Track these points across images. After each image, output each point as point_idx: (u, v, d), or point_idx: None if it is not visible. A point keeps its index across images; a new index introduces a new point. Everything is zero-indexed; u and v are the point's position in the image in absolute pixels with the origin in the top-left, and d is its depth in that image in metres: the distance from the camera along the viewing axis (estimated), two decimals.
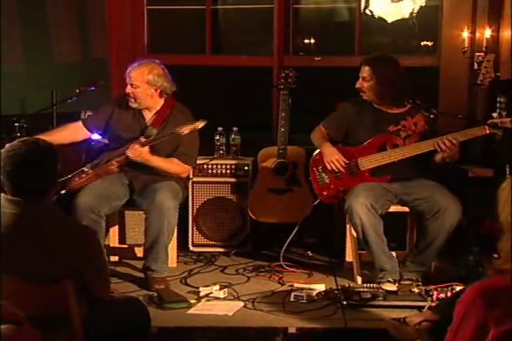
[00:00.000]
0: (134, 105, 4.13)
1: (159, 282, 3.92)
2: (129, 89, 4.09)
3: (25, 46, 4.79)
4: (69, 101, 4.28)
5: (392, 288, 3.68)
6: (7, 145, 2.46)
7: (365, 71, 4.05)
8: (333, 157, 4.08)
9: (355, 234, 4.01)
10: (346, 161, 4.08)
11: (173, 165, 4.11)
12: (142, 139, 3.99)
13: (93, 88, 4.42)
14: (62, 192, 3.88)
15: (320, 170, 4.16)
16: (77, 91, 4.25)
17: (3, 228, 2.35)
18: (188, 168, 4.24)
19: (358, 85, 4.09)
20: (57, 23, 4.96)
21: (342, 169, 4.07)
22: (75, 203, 3.87)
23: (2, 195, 2.42)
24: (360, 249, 4.09)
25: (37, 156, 2.41)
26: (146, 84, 4.06)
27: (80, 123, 4.25)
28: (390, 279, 3.81)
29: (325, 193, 4.17)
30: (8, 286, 2.20)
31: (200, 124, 3.98)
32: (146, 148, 3.96)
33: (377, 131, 4.07)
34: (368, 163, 4.06)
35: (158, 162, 4.04)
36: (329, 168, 4.09)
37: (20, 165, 2.38)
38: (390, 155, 4.02)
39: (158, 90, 4.10)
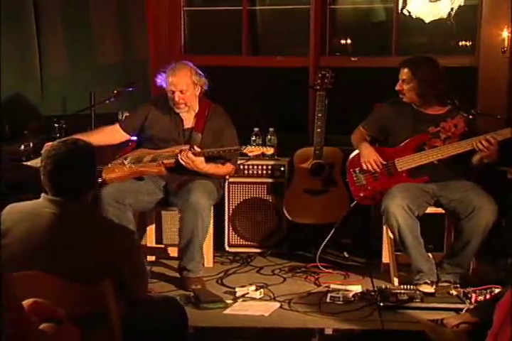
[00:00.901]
0: (183, 110, 4.12)
1: (195, 282, 3.93)
2: (178, 97, 4.04)
3: (68, 47, 4.83)
4: (107, 102, 4.31)
5: (430, 289, 3.66)
6: (48, 146, 2.49)
7: (404, 73, 4.04)
8: (370, 157, 4.06)
9: (391, 236, 3.99)
10: (383, 162, 4.07)
11: (222, 170, 4.14)
12: (197, 149, 3.98)
13: (131, 89, 4.44)
14: (98, 180, 3.90)
15: (357, 172, 4.15)
16: (115, 92, 4.27)
17: (43, 228, 2.38)
18: (234, 168, 4.27)
19: (397, 87, 4.07)
20: (100, 23, 4.99)
21: (378, 169, 4.06)
22: (100, 194, 3.88)
23: (43, 194, 2.45)
24: (397, 250, 4.07)
25: (76, 156, 2.43)
26: (192, 85, 4.07)
27: (117, 125, 4.28)
28: (427, 281, 3.78)
29: (362, 194, 4.15)
30: (49, 285, 2.23)
31: (269, 151, 4.03)
32: (200, 158, 3.97)
33: (415, 133, 4.04)
34: (405, 163, 4.04)
35: (210, 170, 4.06)
36: (365, 168, 4.07)
37: (60, 165, 2.40)
38: (427, 155, 3.99)
39: (201, 89, 4.12)
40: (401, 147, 4.07)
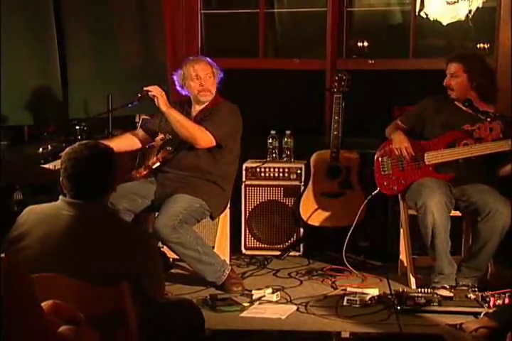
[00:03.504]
0: (208, 98, 4.08)
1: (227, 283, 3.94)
2: (203, 83, 4.03)
3: (93, 52, 4.84)
4: (129, 105, 4.22)
5: (448, 293, 3.63)
6: (68, 148, 2.50)
7: (453, 67, 4.01)
8: (402, 144, 4.06)
9: (408, 239, 3.98)
10: (413, 153, 4.05)
11: (194, 128, 3.95)
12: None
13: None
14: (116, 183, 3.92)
15: (385, 159, 4.14)
16: (138, 95, 4.18)
17: (61, 230, 2.39)
18: (210, 138, 3.96)
19: (445, 83, 4.05)
20: (122, 27, 5.00)
21: (408, 156, 4.04)
22: None
23: (61, 197, 2.46)
24: (414, 253, 4.06)
25: (96, 159, 2.44)
26: (212, 74, 4.05)
27: (139, 128, 4.28)
28: (446, 285, 3.76)
29: (385, 183, 4.14)
30: (66, 287, 2.23)
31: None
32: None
33: (451, 128, 4.02)
34: (433, 157, 4.03)
35: (177, 115, 3.95)
36: (397, 153, 4.06)
37: (80, 168, 2.41)
38: (458, 152, 3.97)
39: (217, 81, 4.09)
40: (433, 141, 4.05)
